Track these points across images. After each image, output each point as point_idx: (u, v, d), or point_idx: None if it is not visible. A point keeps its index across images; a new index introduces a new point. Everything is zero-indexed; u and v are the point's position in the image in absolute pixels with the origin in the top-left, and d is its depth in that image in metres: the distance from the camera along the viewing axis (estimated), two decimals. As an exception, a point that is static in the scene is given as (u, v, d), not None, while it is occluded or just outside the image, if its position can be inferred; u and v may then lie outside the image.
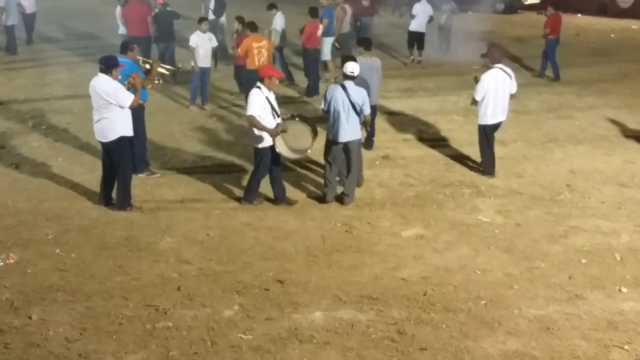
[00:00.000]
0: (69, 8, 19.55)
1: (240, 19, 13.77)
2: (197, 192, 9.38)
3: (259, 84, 8.51)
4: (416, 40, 17.73)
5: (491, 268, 7.31)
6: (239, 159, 10.65)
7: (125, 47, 9.55)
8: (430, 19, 17.81)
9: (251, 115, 8.38)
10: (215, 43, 13.32)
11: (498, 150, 10.72)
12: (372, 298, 6.63)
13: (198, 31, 12.97)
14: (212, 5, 17.21)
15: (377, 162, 10.55)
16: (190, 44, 12.86)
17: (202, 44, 12.84)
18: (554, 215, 8.72)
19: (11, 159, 10.43)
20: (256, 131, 8.50)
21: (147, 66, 9.94)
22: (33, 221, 8.32)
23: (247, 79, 12.40)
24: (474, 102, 9.93)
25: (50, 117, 12.43)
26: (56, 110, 12.92)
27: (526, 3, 28.28)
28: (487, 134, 9.97)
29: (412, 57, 17.78)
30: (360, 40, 12.02)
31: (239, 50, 12.64)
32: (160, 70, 10.55)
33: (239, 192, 9.35)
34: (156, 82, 10.32)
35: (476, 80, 9.82)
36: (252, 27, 12.86)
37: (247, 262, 7.43)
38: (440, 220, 8.55)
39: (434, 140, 11.50)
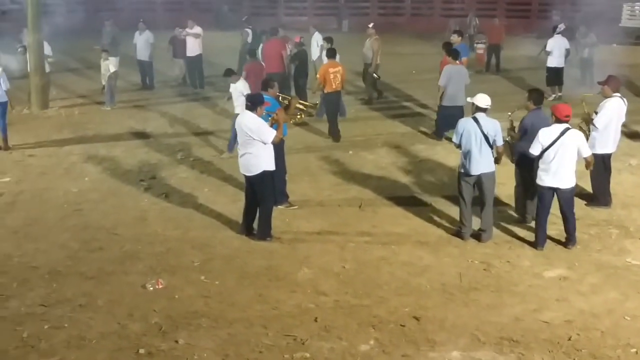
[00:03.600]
0: (211, 47, 20.17)
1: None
2: (332, 225, 9.37)
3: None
4: (555, 75, 17.17)
5: (642, 314, 6.84)
6: (374, 192, 10.61)
7: (266, 85, 9.86)
8: (567, 53, 17.19)
9: None
10: None
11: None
12: (513, 340, 6.35)
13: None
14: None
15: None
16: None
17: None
18: None
19: (161, 188, 10.83)
20: None
21: (286, 102, 10.22)
22: (180, 249, 8.59)
23: (325, 101, 13.71)
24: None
25: (196, 150, 12.89)
26: (202, 143, 13.36)
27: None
28: (605, 162, 9.65)
29: (553, 95, 17.13)
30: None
31: (318, 75, 13.73)
32: (298, 106, 10.83)
33: (373, 226, 9.30)
34: (298, 117, 10.59)
35: (511, 123, 9.38)
36: (331, 53, 13.89)
37: (383, 296, 7.33)
38: (586, 262, 8.09)
39: (580, 176, 10.96)
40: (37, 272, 7.92)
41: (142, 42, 18.00)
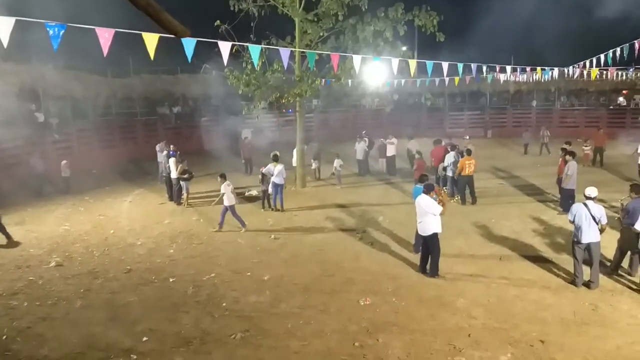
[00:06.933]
0: (400, 149, 20.31)
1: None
2: (480, 270, 8.93)
3: None
4: None
5: None
6: (510, 249, 9.95)
7: (425, 178, 9.89)
8: None
9: None
10: None
11: None
12: (616, 365, 5.58)
13: None
14: None
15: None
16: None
17: None
18: None
19: (368, 238, 10.95)
20: None
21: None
22: (380, 279, 8.56)
23: (459, 182, 13.69)
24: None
25: (392, 214, 12.78)
26: (394, 210, 13.18)
27: None
28: None
29: None
30: None
31: (459, 165, 13.57)
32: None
33: (510, 272, 8.71)
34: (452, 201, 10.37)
35: (622, 206, 8.23)
36: (468, 152, 13.76)
37: (516, 323, 6.88)
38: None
39: None
40: (297, 287, 8.37)
41: (360, 148, 18.63)
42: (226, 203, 11.74)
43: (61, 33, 7.26)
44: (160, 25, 3.04)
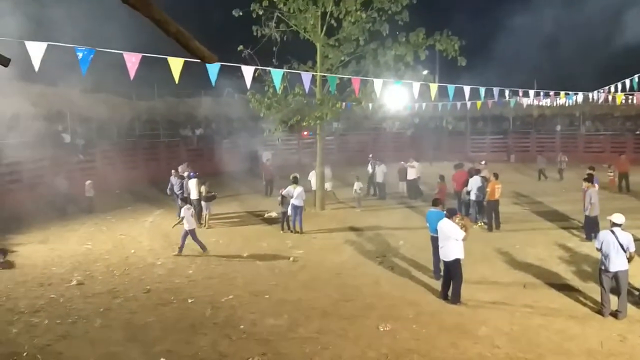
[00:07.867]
0: (426, 172, 20.19)
1: None
2: (503, 297, 8.74)
3: None
4: None
5: None
6: (535, 277, 9.73)
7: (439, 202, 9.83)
8: None
9: None
10: None
11: None
12: (648, 401, 5.36)
13: None
14: None
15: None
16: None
17: None
18: None
19: (388, 263, 10.84)
20: None
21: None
22: (400, 304, 8.49)
23: (487, 207, 13.35)
24: None
25: (413, 239, 12.57)
26: (414, 236, 12.83)
27: None
28: None
29: None
30: None
31: (488, 189, 13.33)
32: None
33: (534, 301, 8.50)
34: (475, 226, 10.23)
35: None
36: (495, 176, 13.73)
37: (541, 354, 6.69)
38: None
39: None
40: (315, 311, 8.30)
41: (379, 171, 18.55)
42: (186, 227, 11.78)
43: (90, 57, 7.58)
44: (189, 51, 3.18)
